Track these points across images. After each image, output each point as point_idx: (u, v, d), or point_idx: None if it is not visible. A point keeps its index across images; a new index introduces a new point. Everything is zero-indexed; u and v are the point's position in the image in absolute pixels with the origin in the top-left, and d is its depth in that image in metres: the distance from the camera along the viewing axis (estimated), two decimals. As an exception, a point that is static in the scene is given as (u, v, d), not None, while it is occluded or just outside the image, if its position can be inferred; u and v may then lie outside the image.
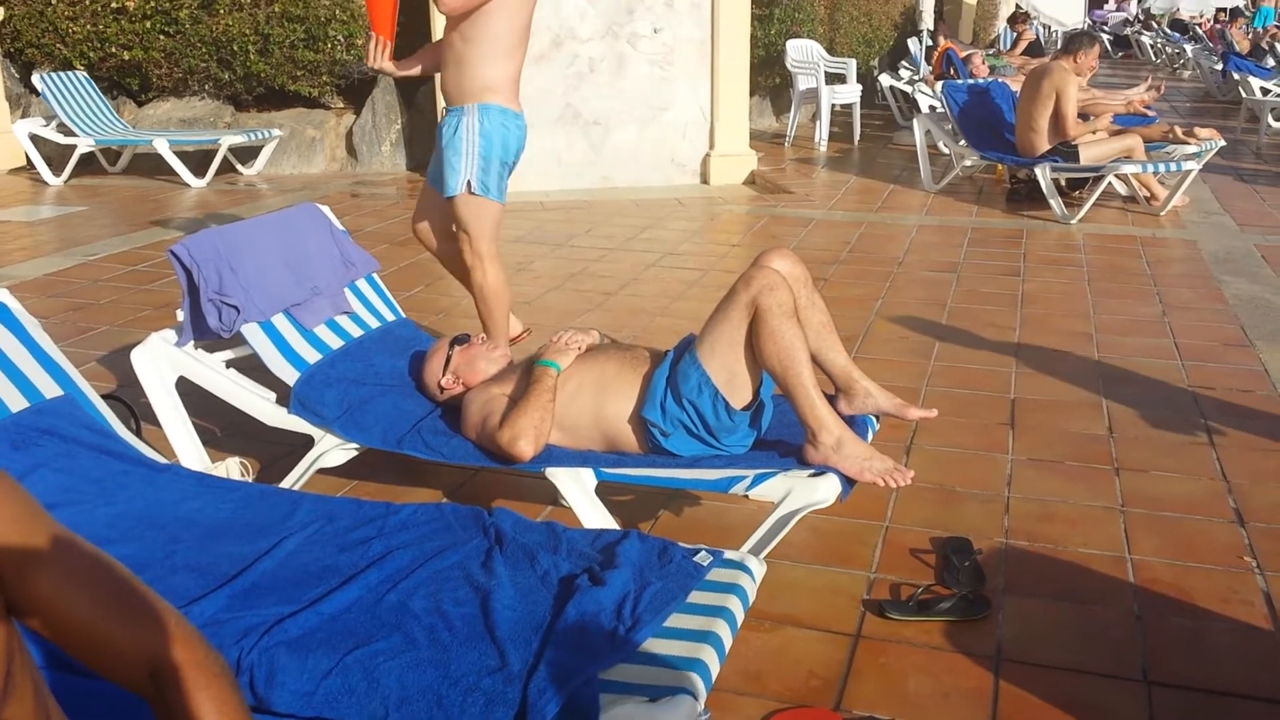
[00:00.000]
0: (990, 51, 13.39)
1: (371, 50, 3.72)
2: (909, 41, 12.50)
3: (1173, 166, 7.07)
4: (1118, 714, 2.24)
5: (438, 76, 3.83)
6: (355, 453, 2.99)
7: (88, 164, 8.67)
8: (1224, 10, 25.20)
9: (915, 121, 8.50)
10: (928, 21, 11.97)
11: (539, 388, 2.79)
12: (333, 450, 2.96)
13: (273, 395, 3.09)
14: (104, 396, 2.79)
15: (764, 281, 2.65)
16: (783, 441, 2.83)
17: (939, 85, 8.69)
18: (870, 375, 2.90)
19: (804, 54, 10.80)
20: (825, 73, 10.54)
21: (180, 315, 3.02)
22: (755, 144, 9.20)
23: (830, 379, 2.86)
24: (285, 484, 2.97)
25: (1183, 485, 3.28)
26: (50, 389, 2.60)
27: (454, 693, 1.82)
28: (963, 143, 7.94)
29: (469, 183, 3.66)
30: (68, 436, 2.52)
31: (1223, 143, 7.60)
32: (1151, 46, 22.58)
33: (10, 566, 1.13)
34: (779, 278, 2.67)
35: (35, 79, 8.53)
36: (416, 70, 3.94)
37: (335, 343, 3.21)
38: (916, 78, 11.28)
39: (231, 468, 3.06)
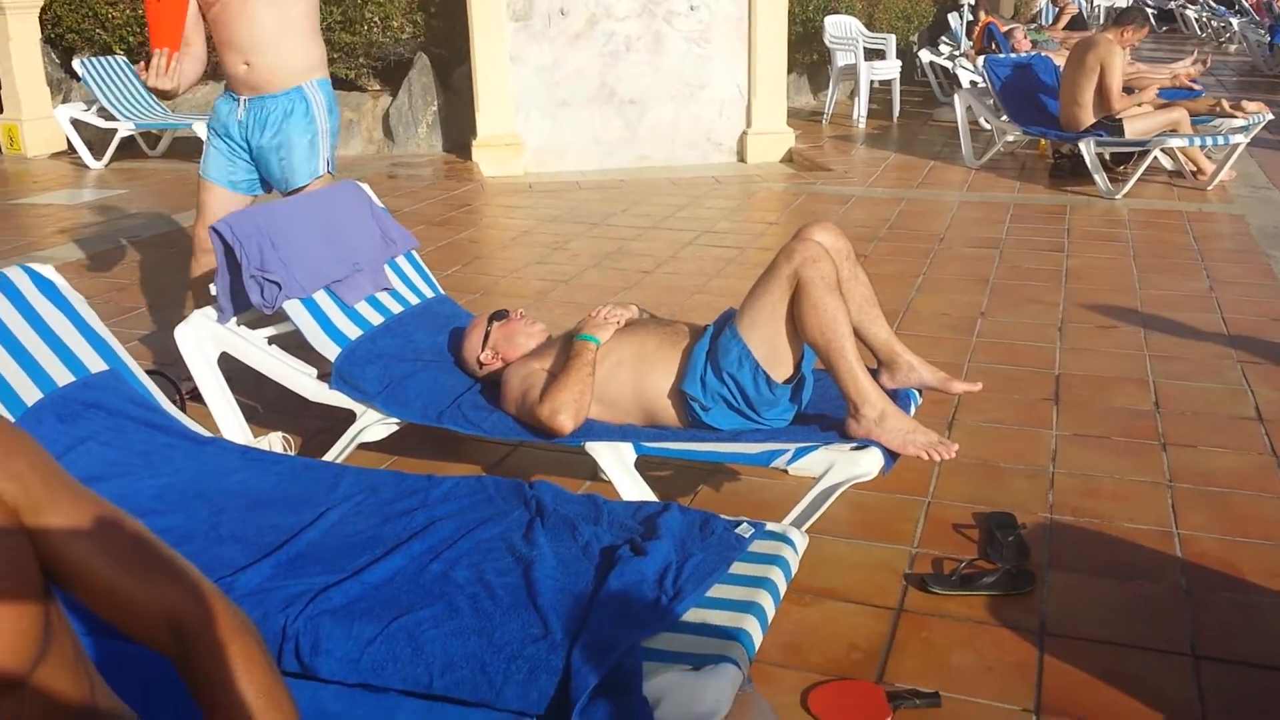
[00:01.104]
0: (1032, 26, 13.19)
1: (155, 66, 3.16)
2: (949, 16, 12.33)
3: (1219, 140, 6.94)
4: (1165, 689, 2.21)
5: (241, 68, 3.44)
6: (396, 428, 3.01)
7: (128, 148, 8.75)
8: (1272, -17, 24.68)
9: (956, 96, 8.40)
10: (968, -4, 11.80)
11: (578, 361, 2.79)
12: (374, 425, 2.97)
13: (314, 371, 3.10)
14: (148, 372, 2.82)
15: (806, 254, 2.62)
16: (824, 415, 2.81)
17: (980, 60, 8.58)
18: (912, 351, 2.87)
19: (842, 30, 10.69)
20: (864, 49, 10.43)
21: (213, 289, 3.04)
22: (793, 121, 9.13)
23: (873, 352, 2.84)
24: (327, 458, 2.99)
25: (1231, 460, 3.23)
26: (95, 364, 2.63)
27: (498, 660, 1.82)
28: (1005, 118, 7.84)
29: (327, 163, 3.57)
30: (114, 410, 2.55)
31: (1270, 116, 7.45)
32: (1196, 20, 22.14)
33: (31, 515, 1.14)
34: (821, 250, 2.64)
35: (76, 64, 8.62)
36: (189, 82, 3.39)
37: (376, 319, 3.23)
38: (957, 53, 11.13)
39: (274, 442, 3.09)
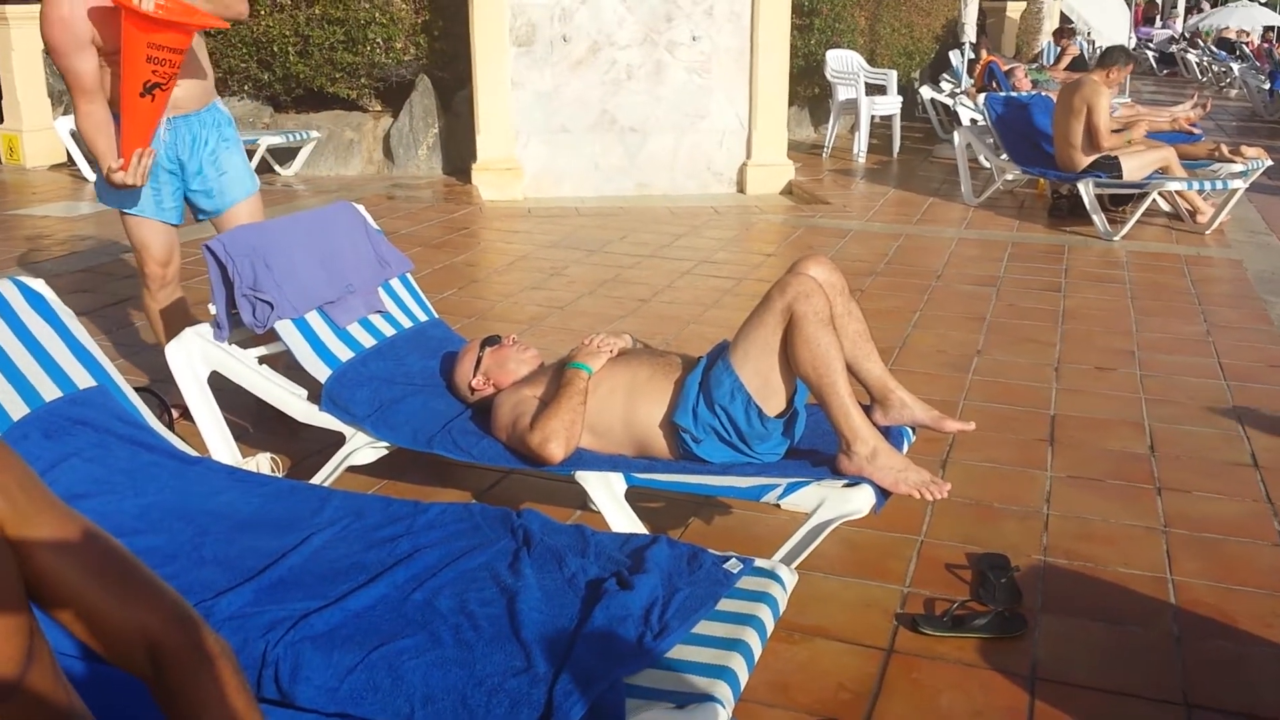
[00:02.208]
0: (1034, 66, 13.27)
1: (139, 168, 3.20)
2: (950, 54, 12.41)
3: (1218, 185, 6.96)
4: (1157, 738, 2.18)
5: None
6: (385, 451, 2.98)
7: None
8: (1272, 29, 24.89)
9: (956, 134, 8.43)
10: (970, 34, 11.85)
11: (570, 390, 2.77)
12: (363, 448, 2.94)
13: (305, 392, 3.08)
14: (137, 389, 2.79)
15: (800, 288, 2.61)
16: (816, 451, 2.79)
17: (981, 98, 8.61)
18: (907, 388, 2.85)
19: (844, 64, 10.75)
20: (865, 84, 10.48)
21: (212, 309, 3.02)
22: (793, 154, 9.16)
23: (866, 389, 2.82)
24: (315, 481, 2.96)
25: (1226, 507, 3.20)
26: (84, 379, 2.60)
27: (479, 693, 1.79)
28: (1004, 156, 7.86)
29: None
30: (100, 427, 2.52)
31: (1269, 162, 7.48)
32: (1198, 64, 22.30)
33: (14, 530, 1.13)
34: (815, 285, 2.63)
35: (81, 77, 8.63)
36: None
37: (368, 341, 3.21)
38: (958, 90, 11.19)
39: (262, 463, 3.06)
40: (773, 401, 2.69)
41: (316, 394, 3.03)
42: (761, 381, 2.67)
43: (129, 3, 2.93)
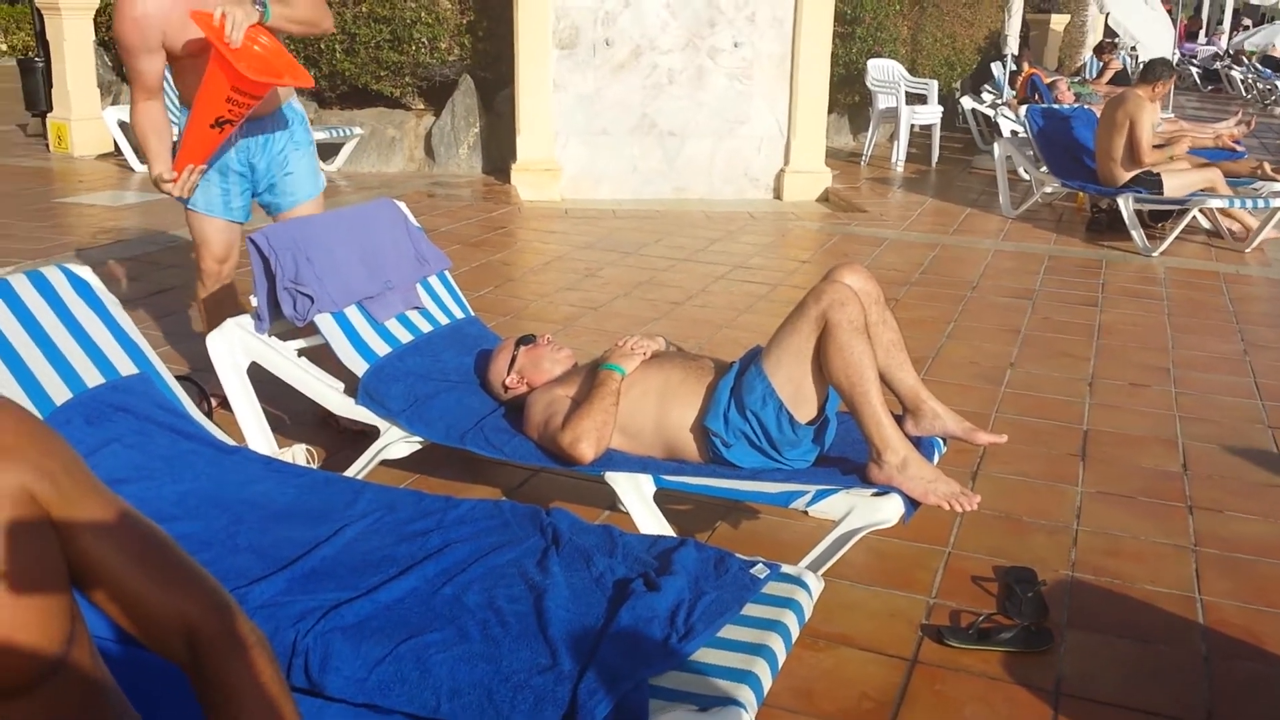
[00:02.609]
0: (1076, 79, 13.17)
1: (187, 182, 3.25)
2: (992, 65, 12.34)
3: (1260, 204, 6.89)
4: (1181, 758, 2.17)
5: None
6: (419, 446, 3.02)
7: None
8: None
9: (996, 145, 8.38)
10: (1012, 46, 11.78)
11: (602, 391, 2.79)
12: (397, 443, 2.98)
13: (341, 385, 3.12)
14: (178, 378, 2.84)
15: (834, 296, 2.62)
16: (846, 459, 2.79)
17: (1022, 110, 8.56)
18: (939, 398, 2.85)
19: (885, 73, 10.72)
20: (906, 93, 10.44)
21: (254, 301, 3.07)
22: (831, 162, 9.14)
23: (898, 398, 2.82)
24: (349, 473, 3.00)
25: (1258, 527, 3.18)
26: (126, 366, 2.65)
27: (504, 689, 1.82)
28: (1044, 169, 7.81)
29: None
30: (140, 414, 2.57)
31: (1314, 181, 7.38)
32: (1242, 81, 22.03)
33: (60, 513, 1.16)
34: (850, 293, 2.63)
35: (129, 69, 8.76)
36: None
37: (405, 337, 3.24)
38: (999, 101, 11.13)
39: (298, 454, 3.10)
40: (804, 409, 2.70)
41: (353, 387, 3.07)
42: (794, 388, 2.68)
43: (222, 46, 2.92)
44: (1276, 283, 6.31)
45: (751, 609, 2.11)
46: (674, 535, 2.57)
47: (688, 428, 2.79)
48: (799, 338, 2.66)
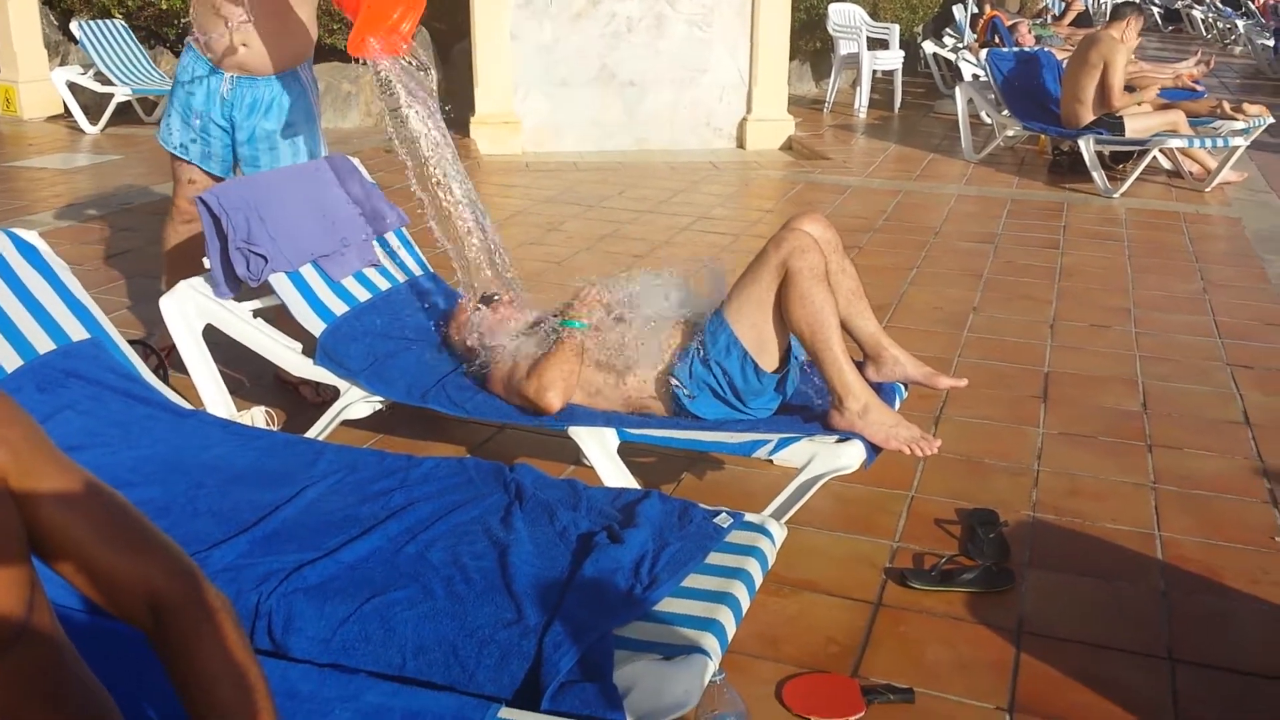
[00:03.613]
0: (1038, 21, 13.13)
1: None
2: (954, 8, 12.28)
3: (1219, 142, 6.92)
4: (1140, 691, 2.21)
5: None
6: (380, 406, 2.99)
7: (124, 113, 8.68)
8: (1279, -15, 24.57)
9: (958, 89, 8.36)
10: (973, -11, 11.75)
11: (564, 345, 2.78)
12: (357, 403, 2.96)
13: (299, 345, 3.09)
14: (131, 342, 2.80)
15: (795, 243, 2.61)
16: (807, 407, 2.80)
17: (983, 53, 8.54)
18: (902, 344, 2.86)
19: (846, 18, 10.63)
20: (867, 38, 10.37)
21: (207, 263, 3.02)
22: (793, 109, 9.08)
23: (859, 345, 2.82)
24: (310, 435, 2.98)
25: (1216, 464, 3.22)
26: (77, 332, 2.61)
27: (469, 644, 1.82)
28: (1006, 112, 7.80)
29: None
30: (93, 379, 2.54)
31: (1271, 120, 7.42)
32: (1202, 21, 22.06)
33: (19, 482, 1.14)
34: (810, 240, 2.62)
35: (73, 26, 8.55)
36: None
37: (363, 295, 3.21)
38: (960, 45, 11.08)
39: (257, 416, 3.07)
40: (768, 357, 2.69)
41: (311, 348, 3.03)
42: (756, 336, 2.67)
43: None
44: (1235, 222, 6.35)
45: (715, 558, 2.12)
46: (639, 488, 2.57)
47: (650, 383, 2.78)
48: (760, 287, 2.66)
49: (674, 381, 2.73)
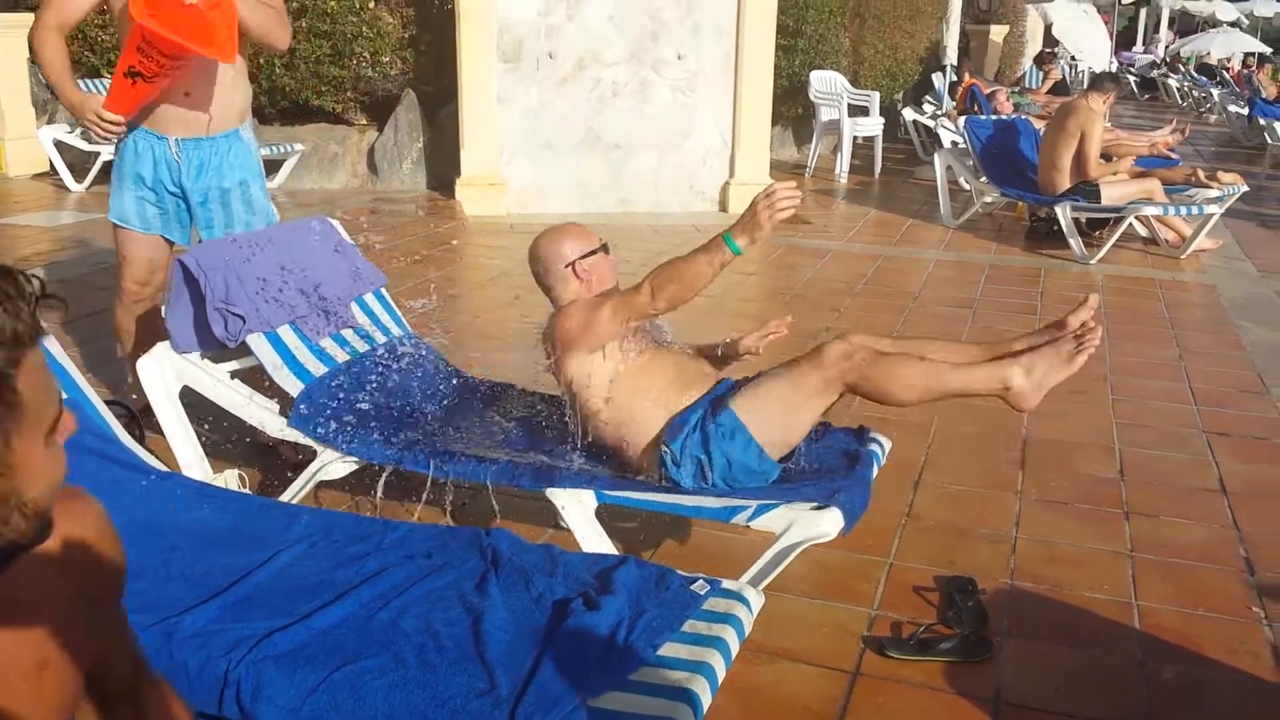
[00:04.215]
0: (1016, 90, 13.37)
1: (104, 125, 3.21)
2: (933, 76, 12.50)
3: (1194, 210, 7.03)
4: (1118, 763, 2.19)
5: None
6: (356, 466, 2.98)
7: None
8: (1252, 55, 25.18)
9: (937, 156, 8.49)
10: (952, 57, 11.95)
11: (708, 256, 2.68)
12: (334, 464, 2.94)
13: (276, 406, 3.08)
14: (108, 403, 2.78)
15: (840, 353, 2.61)
16: (787, 471, 2.80)
17: (962, 120, 8.68)
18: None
19: (827, 85, 10.81)
20: (848, 105, 10.54)
21: (167, 322, 2.99)
22: (776, 174, 9.19)
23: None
24: (286, 497, 2.96)
25: (1193, 532, 3.23)
26: (54, 393, 2.59)
27: (441, 714, 1.80)
28: (984, 179, 7.92)
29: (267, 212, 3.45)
30: (70, 441, 2.51)
31: (1245, 188, 7.55)
32: (1178, 89, 22.52)
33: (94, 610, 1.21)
34: (849, 344, 2.63)
35: (63, 86, 8.60)
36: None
37: (341, 356, 3.20)
38: (940, 112, 11.27)
39: (230, 479, 3.05)
40: (776, 450, 2.71)
41: (289, 409, 3.02)
42: (770, 435, 2.67)
43: None
44: (1211, 289, 6.44)
45: (692, 625, 2.10)
46: (616, 553, 2.56)
47: (651, 432, 2.77)
48: (790, 396, 2.65)
49: (665, 450, 2.72)
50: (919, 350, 2.78)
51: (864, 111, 10.84)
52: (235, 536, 2.40)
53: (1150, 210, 6.98)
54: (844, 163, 10.45)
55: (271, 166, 8.86)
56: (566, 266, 2.95)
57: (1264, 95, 14.83)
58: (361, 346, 3.30)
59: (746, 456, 2.67)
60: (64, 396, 1.11)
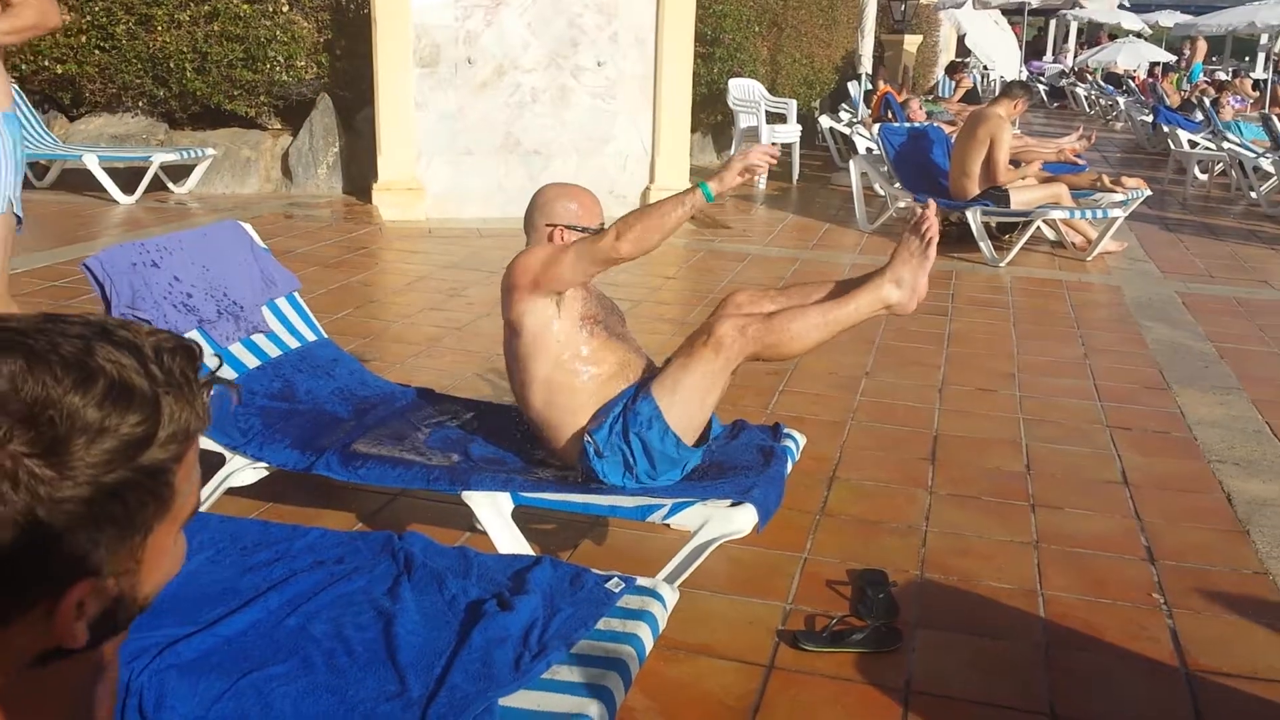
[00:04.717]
0: (929, 98, 13.64)
1: None
2: (849, 85, 12.70)
3: (1099, 214, 7.24)
4: (1023, 748, 2.25)
5: None
6: (266, 473, 2.93)
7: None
8: (1157, 65, 25.99)
9: (852, 162, 8.63)
10: (867, 66, 12.16)
11: (679, 201, 2.67)
12: (243, 470, 2.89)
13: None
14: None
15: (732, 329, 2.65)
16: (701, 469, 2.82)
17: (876, 128, 8.83)
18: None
19: (746, 93, 10.92)
20: (766, 112, 10.66)
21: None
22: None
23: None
24: (194, 504, 2.90)
25: (1096, 523, 3.32)
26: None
27: (351, 718, 1.77)
28: (897, 185, 8.07)
29: (10, 201, 3.11)
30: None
31: (1149, 192, 7.80)
32: (1086, 98, 23.18)
33: None
34: (738, 318, 2.67)
35: (-37, 89, 8.34)
36: None
37: (252, 361, 3.16)
38: (855, 120, 11.45)
39: (138, 487, 2.98)
40: (689, 436, 2.73)
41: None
42: (682, 418, 2.70)
43: None
44: (1116, 290, 6.63)
45: (606, 623, 2.11)
46: (530, 554, 2.55)
47: (580, 418, 2.77)
48: (693, 376, 2.68)
49: (589, 440, 2.72)
50: (801, 297, 2.85)
51: (782, 119, 10.97)
52: (140, 545, 2.34)
53: (1057, 214, 7.17)
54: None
55: (182, 171, 8.70)
56: (548, 225, 2.89)
57: (1167, 103, 15.33)
58: (273, 351, 3.26)
59: (665, 445, 2.69)
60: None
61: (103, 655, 1.04)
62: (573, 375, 2.78)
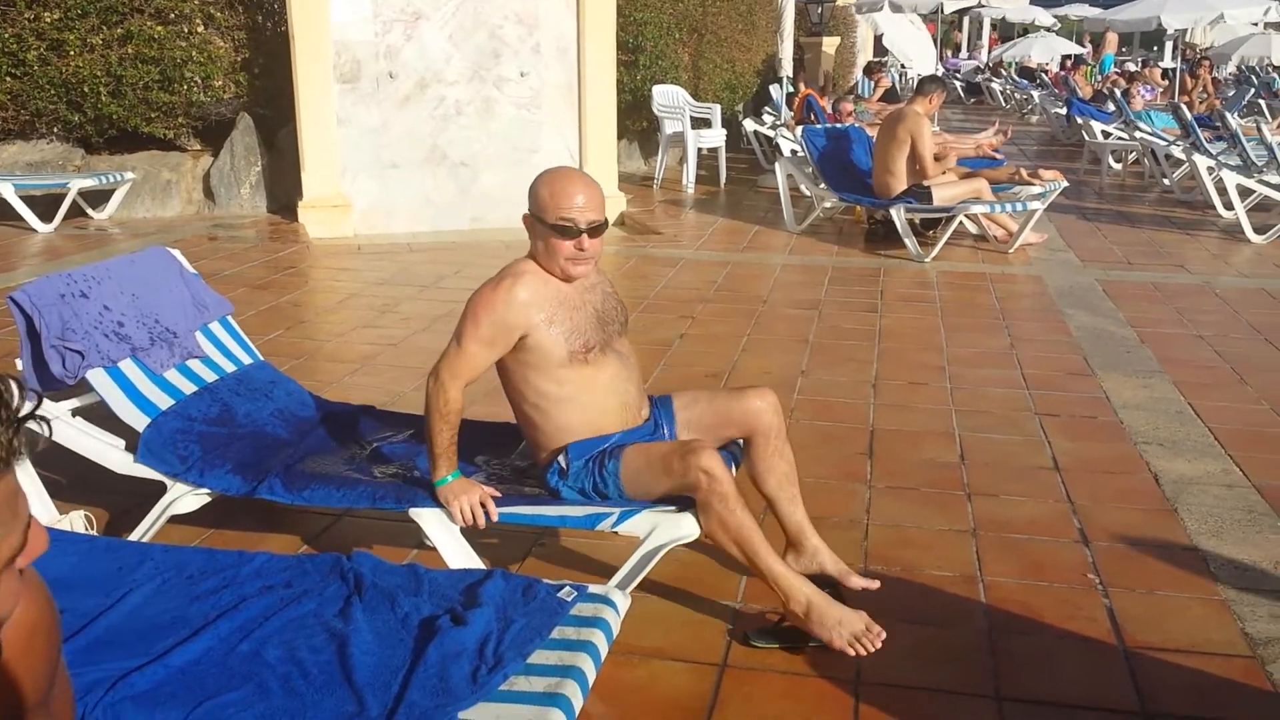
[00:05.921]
0: (850, 97, 13.84)
1: None
2: (771, 88, 12.85)
3: (1018, 206, 7.43)
4: (971, 730, 2.31)
5: None
6: (208, 499, 2.90)
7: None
8: (1070, 58, 26.64)
9: (778, 165, 8.73)
10: (787, 69, 12.31)
11: (435, 453, 2.71)
12: (185, 497, 2.86)
13: (122, 443, 2.97)
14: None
15: (704, 471, 2.55)
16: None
17: (799, 130, 8.96)
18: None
19: (670, 99, 11.00)
20: (691, 117, 10.74)
21: (20, 365, 2.89)
22: (624, 186, 9.31)
23: (783, 531, 2.87)
24: (135, 535, 2.86)
25: (1031, 508, 3.42)
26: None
27: (309, 741, 1.77)
28: (823, 185, 8.19)
29: None
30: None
31: (1065, 184, 8.01)
32: (1001, 92, 23.68)
33: None
34: (721, 468, 2.56)
35: None
36: None
37: (188, 387, 3.12)
38: (778, 123, 11.59)
39: (75, 521, 2.94)
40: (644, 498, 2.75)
41: (134, 444, 2.92)
42: (640, 492, 2.70)
43: None
44: (1038, 280, 6.80)
45: (560, 632, 2.13)
46: (483, 568, 2.56)
47: (565, 435, 2.77)
48: (667, 484, 2.64)
49: (560, 461, 2.73)
50: (776, 484, 2.86)
51: (706, 124, 11.07)
52: (81, 580, 2.31)
53: (979, 209, 7.34)
54: (690, 174, 10.65)
55: (101, 197, 8.52)
56: (530, 215, 2.89)
57: (1080, 95, 15.74)
58: (209, 376, 3.22)
59: (615, 495, 2.71)
60: (29, 520, 1.00)
61: None
62: (579, 389, 2.76)
